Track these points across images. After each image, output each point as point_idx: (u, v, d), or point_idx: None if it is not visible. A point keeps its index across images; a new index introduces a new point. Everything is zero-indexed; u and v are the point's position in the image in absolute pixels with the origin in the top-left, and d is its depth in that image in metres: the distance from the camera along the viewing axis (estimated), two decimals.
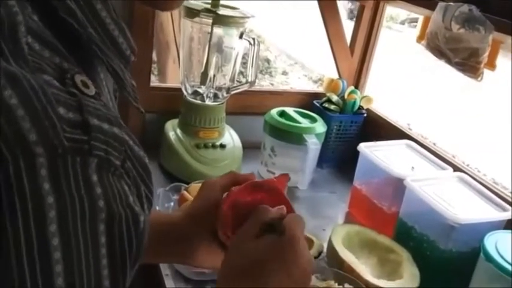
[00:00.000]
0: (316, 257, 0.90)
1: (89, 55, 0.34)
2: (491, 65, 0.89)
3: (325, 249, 0.91)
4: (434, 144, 1.23)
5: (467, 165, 1.12)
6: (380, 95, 1.43)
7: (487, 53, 0.82)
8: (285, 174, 0.58)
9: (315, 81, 5.25)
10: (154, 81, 2.28)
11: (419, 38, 1.02)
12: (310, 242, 0.93)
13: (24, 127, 0.25)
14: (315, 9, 1.38)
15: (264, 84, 4.79)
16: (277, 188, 0.55)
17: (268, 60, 5.45)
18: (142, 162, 0.34)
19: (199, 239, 0.55)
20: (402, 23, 7.94)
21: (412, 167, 1.02)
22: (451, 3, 0.84)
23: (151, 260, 0.72)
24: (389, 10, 1.39)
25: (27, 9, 0.28)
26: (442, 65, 0.95)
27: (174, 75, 2.46)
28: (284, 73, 5.43)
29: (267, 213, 0.49)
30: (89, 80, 0.31)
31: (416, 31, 1.07)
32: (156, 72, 2.63)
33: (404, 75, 5.51)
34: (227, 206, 0.53)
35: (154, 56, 2.32)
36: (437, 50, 0.88)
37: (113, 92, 0.41)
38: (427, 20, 0.99)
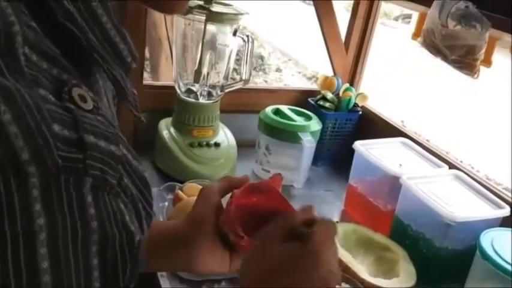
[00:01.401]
0: None
1: (88, 62, 0.33)
2: (487, 62, 0.89)
3: None
4: (428, 140, 1.23)
5: (461, 162, 1.12)
6: (374, 92, 1.43)
7: (483, 50, 0.82)
8: (278, 175, 0.58)
9: (309, 78, 5.25)
10: (146, 78, 2.27)
11: (415, 35, 1.01)
12: None
13: (16, 145, 0.24)
14: (308, 6, 1.37)
15: (258, 81, 4.78)
16: (274, 188, 0.55)
17: (262, 57, 5.44)
18: (142, 177, 0.33)
19: (202, 243, 0.54)
20: (396, 19, 7.96)
21: (400, 164, 1.02)
22: (447, 0, 0.84)
23: (155, 269, 0.72)
24: (383, 6, 1.38)
25: (25, 14, 0.27)
26: (437, 62, 0.94)
27: (167, 72, 2.45)
28: (278, 70, 5.42)
29: (295, 218, 0.48)
30: (88, 93, 0.30)
31: (410, 28, 1.06)
32: (148, 69, 2.61)
33: (398, 72, 5.53)
34: (234, 207, 0.53)
35: (146, 53, 2.31)
36: (433, 47, 0.87)
37: (112, 99, 0.40)
38: (422, 17, 0.98)
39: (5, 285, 0.24)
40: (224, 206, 0.55)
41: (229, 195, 0.56)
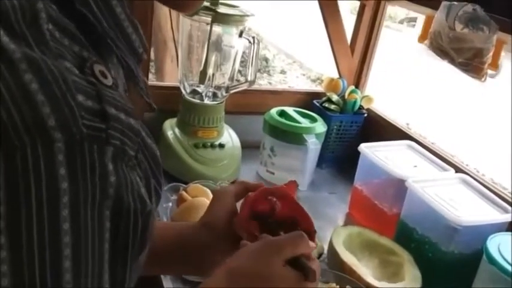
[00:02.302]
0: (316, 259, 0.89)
1: (102, 49, 0.34)
2: (494, 65, 0.88)
3: (325, 251, 0.90)
4: (433, 143, 1.22)
5: (467, 165, 1.11)
6: (379, 95, 1.42)
7: (491, 53, 0.81)
8: (294, 181, 0.58)
9: (313, 80, 5.25)
10: (151, 79, 2.28)
11: (421, 38, 1.01)
12: None
13: (43, 112, 0.25)
14: (313, 7, 1.37)
15: (262, 83, 4.78)
16: (289, 194, 0.56)
17: (266, 59, 5.44)
18: (154, 155, 0.35)
19: (215, 247, 0.54)
20: (401, 22, 7.95)
21: (415, 166, 1.02)
22: (455, 3, 0.83)
23: (166, 271, 0.72)
24: (388, 9, 1.38)
25: None
26: (442, 65, 0.94)
27: (172, 74, 2.45)
28: (282, 72, 5.42)
29: (304, 247, 0.48)
30: (107, 70, 0.31)
31: (416, 30, 1.06)
32: (153, 71, 2.62)
33: (403, 75, 5.51)
34: (249, 209, 0.53)
35: (152, 54, 2.31)
36: (440, 50, 0.87)
37: (123, 91, 0.41)
38: (428, 20, 0.98)
39: (28, 243, 0.25)
40: (238, 210, 0.55)
41: (241, 200, 0.56)
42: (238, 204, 0.56)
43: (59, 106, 0.26)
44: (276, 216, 0.54)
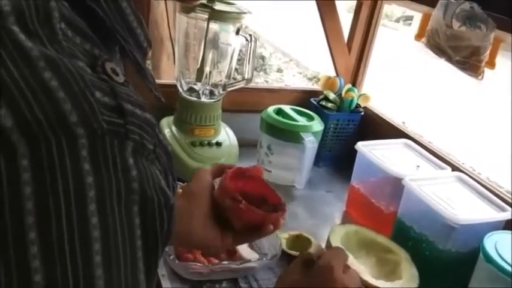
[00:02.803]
0: None
1: (109, 44, 0.34)
2: (491, 64, 0.88)
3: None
4: (429, 142, 1.22)
5: (463, 164, 1.11)
6: (376, 93, 1.42)
7: (488, 51, 0.81)
8: (259, 165, 0.69)
9: (310, 79, 5.25)
10: None
11: (418, 36, 1.00)
12: (307, 242, 0.92)
13: (65, 109, 0.25)
14: (311, 6, 1.37)
15: (259, 81, 4.77)
16: (259, 176, 0.65)
17: (263, 58, 5.44)
18: (167, 151, 0.35)
19: (195, 215, 0.60)
20: (397, 20, 7.96)
21: (418, 166, 1.02)
22: (452, 0, 0.83)
23: None
24: (385, 7, 1.38)
25: None
26: (438, 64, 0.94)
27: (168, 72, 2.45)
28: (279, 70, 5.42)
29: (310, 253, 0.60)
30: (118, 68, 0.31)
31: (412, 29, 1.06)
32: (150, 68, 2.61)
33: (399, 73, 5.52)
34: (229, 180, 0.61)
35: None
36: (437, 48, 0.87)
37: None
38: (425, 17, 0.98)
39: (58, 238, 0.25)
40: (216, 187, 0.62)
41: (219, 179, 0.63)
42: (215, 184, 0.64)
43: (79, 103, 0.26)
44: (250, 190, 0.62)
